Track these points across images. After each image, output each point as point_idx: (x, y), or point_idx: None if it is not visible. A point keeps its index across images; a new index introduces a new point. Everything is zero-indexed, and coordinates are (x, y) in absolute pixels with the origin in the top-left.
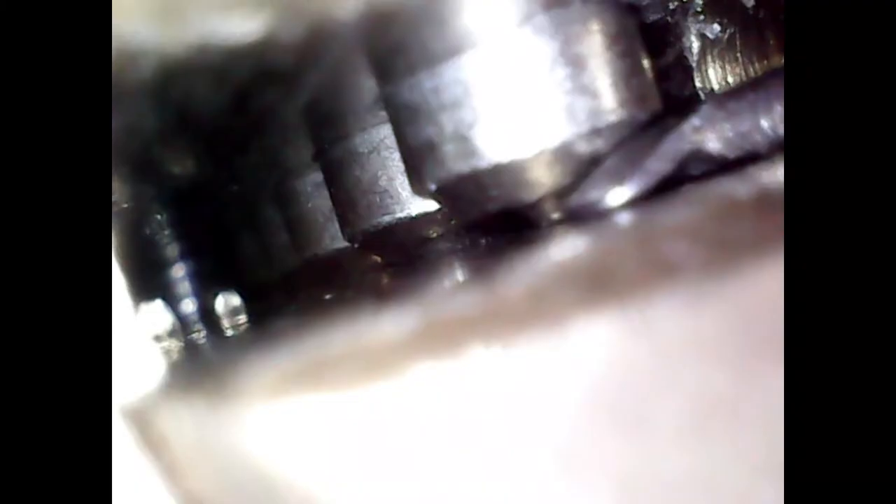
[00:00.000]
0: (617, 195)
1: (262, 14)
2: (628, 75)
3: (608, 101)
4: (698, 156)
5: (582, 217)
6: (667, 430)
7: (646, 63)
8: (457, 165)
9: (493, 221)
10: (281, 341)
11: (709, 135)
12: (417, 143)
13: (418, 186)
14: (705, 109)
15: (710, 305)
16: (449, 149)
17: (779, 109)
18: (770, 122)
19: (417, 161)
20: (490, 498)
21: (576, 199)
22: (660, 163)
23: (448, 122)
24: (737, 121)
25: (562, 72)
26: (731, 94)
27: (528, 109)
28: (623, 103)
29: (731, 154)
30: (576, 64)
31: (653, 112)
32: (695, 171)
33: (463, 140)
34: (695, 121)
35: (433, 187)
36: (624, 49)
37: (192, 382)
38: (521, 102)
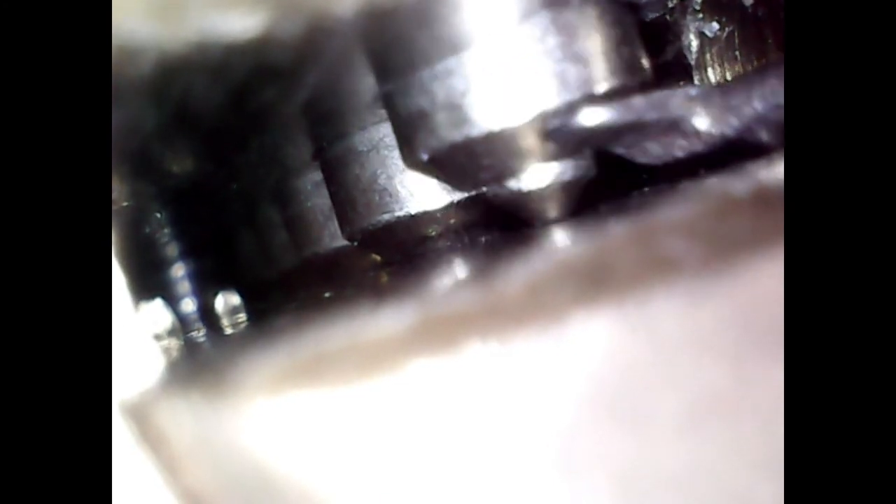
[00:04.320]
0: (593, 115)
1: (261, 11)
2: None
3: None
4: (683, 127)
5: (559, 139)
6: (665, 427)
7: (636, 35)
8: (450, 135)
9: (491, 216)
10: (280, 338)
11: (698, 108)
12: (409, 113)
13: (410, 158)
14: (703, 89)
15: (708, 302)
16: (441, 118)
17: (772, 99)
18: (762, 107)
19: (410, 131)
20: (488, 494)
21: (554, 120)
22: (645, 104)
23: (440, 91)
24: (730, 100)
25: (553, 41)
26: (732, 83)
27: (519, 78)
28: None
29: (715, 133)
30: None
31: (643, 81)
32: (677, 149)
33: (455, 109)
34: (690, 90)
35: (426, 157)
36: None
37: (191, 378)
38: (512, 71)
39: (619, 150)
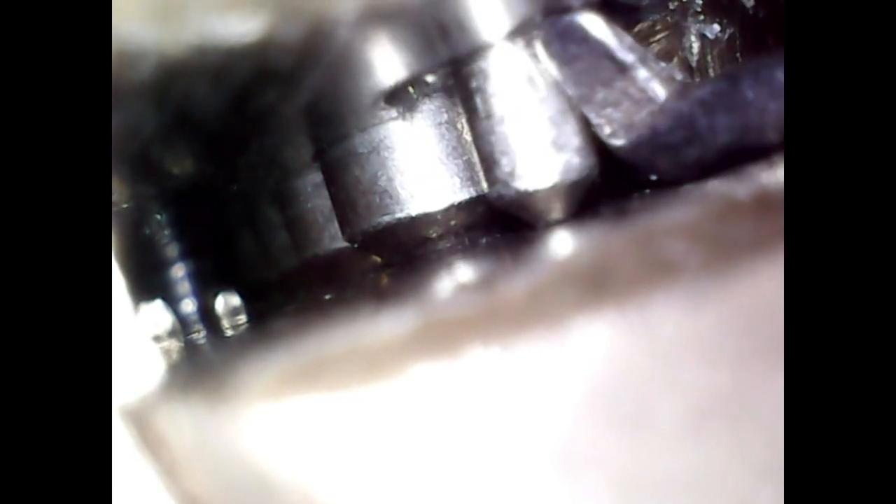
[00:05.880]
0: (589, 20)
1: (261, 14)
2: None
3: None
4: (649, 92)
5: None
6: (666, 431)
7: None
8: None
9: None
10: (280, 341)
11: (666, 82)
12: None
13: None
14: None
15: (709, 305)
16: None
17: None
18: (729, 90)
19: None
20: (489, 498)
21: None
22: (632, 43)
23: None
24: (702, 83)
25: None
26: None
27: None
28: None
29: (672, 108)
30: None
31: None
32: (638, 121)
33: None
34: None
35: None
36: None
37: (191, 382)
38: None
39: (589, 111)
